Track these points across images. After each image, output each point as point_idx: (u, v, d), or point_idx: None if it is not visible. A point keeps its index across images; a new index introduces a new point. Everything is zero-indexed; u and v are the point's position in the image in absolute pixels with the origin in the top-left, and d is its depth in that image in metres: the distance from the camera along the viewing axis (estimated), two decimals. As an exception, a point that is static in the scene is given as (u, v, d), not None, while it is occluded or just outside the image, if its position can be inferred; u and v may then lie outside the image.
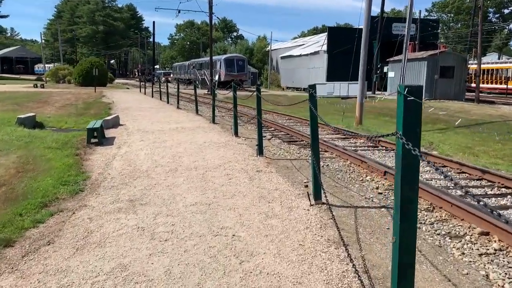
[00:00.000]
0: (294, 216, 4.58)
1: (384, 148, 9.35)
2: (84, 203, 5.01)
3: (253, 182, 6.09)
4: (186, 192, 5.55)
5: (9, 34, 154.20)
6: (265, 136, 10.90)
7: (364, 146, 9.69)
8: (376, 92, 36.36)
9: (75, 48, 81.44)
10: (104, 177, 6.31)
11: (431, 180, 6.55)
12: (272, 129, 12.70)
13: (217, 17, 39.21)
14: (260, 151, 8.08)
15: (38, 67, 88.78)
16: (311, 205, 4.93)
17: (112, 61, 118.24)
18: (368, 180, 6.34)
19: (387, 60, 35.12)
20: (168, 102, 22.45)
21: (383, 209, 4.90)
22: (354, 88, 31.26)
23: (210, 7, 31.85)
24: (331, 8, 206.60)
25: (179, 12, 34.40)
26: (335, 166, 7.33)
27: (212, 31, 39.11)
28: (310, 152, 8.33)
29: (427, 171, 7.22)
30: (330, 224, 4.28)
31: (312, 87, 4.88)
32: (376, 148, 9.37)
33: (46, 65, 74.28)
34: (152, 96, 28.08)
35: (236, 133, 11.00)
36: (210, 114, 14.97)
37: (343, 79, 34.74)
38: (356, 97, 27.11)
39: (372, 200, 5.24)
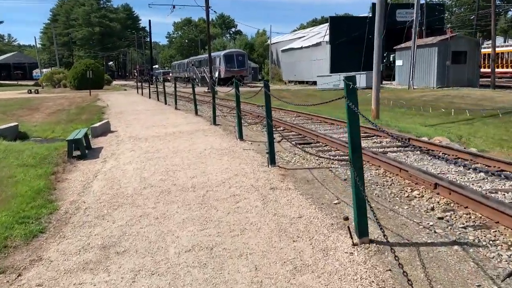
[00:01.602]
0: (334, 267, 3.19)
1: (417, 148, 7.93)
2: (40, 255, 3.63)
3: (268, 207, 4.69)
4: (180, 227, 4.16)
5: (6, 41, 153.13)
6: (274, 138, 9.49)
7: (393, 146, 8.26)
8: (383, 82, 34.84)
9: (71, 51, 79.98)
10: (77, 208, 4.93)
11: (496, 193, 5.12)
12: (281, 129, 11.29)
13: (214, 11, 37.72)
14: (272, 160, 6.68)
15: (36, 72, 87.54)
16: (354, 244, 3.54)
17: (110, 63, 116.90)
18: (416, 197, 4.92)
19: (394, 48, 33.57)
20: (165, 103, 21.06)
21: (455, 246, 3.48)
22: (361, 79, 29.80)
23: (207, 1, 30.37)
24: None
25: (174, 7, 32.97)
26: (368, 177, 5.92)
27: (210, 27, 37.67)
28: (331, 157, 6.97)
29: (482, 179, 5.80)
30: (392, 282, 2.89)
31: (350, 79, 3.48)
32: (407, 149, 7.95)
33: (44, 70, 72.98)
34: (150, 97, 26.70)
35: (240, 137, 9.61)
36: (210, 114, 13.58)
37: (347, 70, 33.21)
38: (366, 89, 25.74)
39: (435, 231, 3.83)
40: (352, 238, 3.58)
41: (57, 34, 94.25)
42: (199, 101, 20.81)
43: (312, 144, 8.81)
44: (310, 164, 6.84)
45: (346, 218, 3.61)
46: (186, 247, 3.68)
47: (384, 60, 36.43)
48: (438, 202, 4.65)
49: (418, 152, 7.61)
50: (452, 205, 4.54)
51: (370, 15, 45.53)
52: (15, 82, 72.46)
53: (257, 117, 13.99)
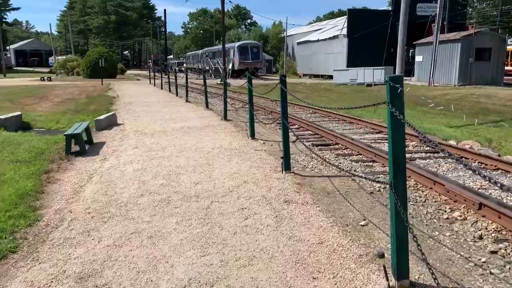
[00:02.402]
0: (367, 323, 2.47)
1: (449, 155, 7.11)
2: (2, 286, 2.98)
3: (282, 226, 3.98)
4: (176, 251, 3.47)
5: (24, 27, 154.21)
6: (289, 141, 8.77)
7: (421, 152, 7.46)
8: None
9: (87, 39, 79.86)
10: (61, 219, 4.28)
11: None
12: (296, 126, 10.53)
13: (230, 1, 36.87)
14: (287, 166, 5.94)
15: (52, 59, 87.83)
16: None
17: (125, 52, 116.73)
18: (458, 220, 4.15)
19: (414, 43, 32.36)
20: (177, 95, 20.41)
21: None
22: (379, 74, 28.78)
23: (222, -10, 29.55)
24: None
25: (188, -4, 32.10)
26: (396, 189, 5.17)
27: (225, 18, 36.83)
28: (351, 162, 6.20)
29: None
30: None
31: (397, 80, 2.74)
32: (437, 155, 7.15)
33: (59, 58, 73.02)
34: (162, 88, 26.09)
35: (252, 135, 8.89)
36: (222, 108, 12.88)
37: (364, 65, 32.19)
38: (384, 84, 24.58)
39: (490, 272, 3.07)
40: (387, 279, 2.85)
41: (73, 21, 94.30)
42: (211, 93, 20.14)
43: (331, 146, 8.05)
44: (329, 171, 6.09)
45: (382, 255, 2.87)
46: (181, 281, 2.99)
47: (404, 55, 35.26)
48: (486, 228, 3.89)
49: (450, 160, 6.81)
50: (504, 233, 3.77)
51: (390, 9, 44.29)
52: (31, 69, 72.75)
53: (270, 112, 13.25)
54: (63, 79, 39.64)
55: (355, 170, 6.18)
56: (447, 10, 37.09)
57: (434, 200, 4.80)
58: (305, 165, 6.48)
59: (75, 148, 7.86)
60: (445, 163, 6.62)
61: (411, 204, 4.66)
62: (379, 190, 5.17)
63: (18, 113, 12.28)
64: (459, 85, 26.07)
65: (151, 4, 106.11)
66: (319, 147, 8.00)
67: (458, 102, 17.25)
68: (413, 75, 33.11)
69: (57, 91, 24.35)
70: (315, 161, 6.72)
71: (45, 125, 12.38)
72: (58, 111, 15.34)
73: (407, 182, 5.51)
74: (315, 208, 4.49)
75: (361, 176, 3.62)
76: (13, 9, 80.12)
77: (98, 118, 10.60)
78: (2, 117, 11.06)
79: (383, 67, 28.51)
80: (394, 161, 2.76)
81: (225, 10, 32.83)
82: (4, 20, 78.13)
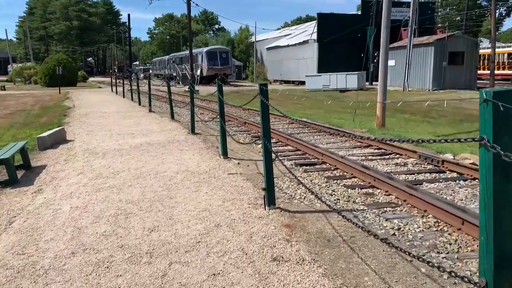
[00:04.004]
0: None
1: (459, 175, 6.00)
2: None
3: (274, 310, 2.67)
4: None
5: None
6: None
7: (424, 172, 6.31)
8: (374, 83, 33.15)
9: (46, 45, 76.42)
10: None
11: None
12: (274, 141, 9.26)
13: (196, 4, 35.45)
14: (271, 200, 4.64)
15: (10, 67, 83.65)
16: None
17: (89, 59, 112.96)
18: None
19: (386, 47, 31.86)
20: (139, 104, 18.82)
21: None
22: (352, 80, 28.01)
23: (188, -7, 28.13)
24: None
25: (152, -1, 30.41)
26: (412, 233, 3.96)
27: (192, 23, 35.41)
28: (346, 188, 4.78)
29: None
30: None
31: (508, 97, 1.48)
32: (444, 176, 6.02)
33: (19, 65, 69.38)
34: (124, 96, 24.38)
35: (224, 153, 7.55)
36: (189, 119, 11.50)
37: (335, 70, 31.44)
38: (358, 90, 23.92)
39: None
40: None
41: (33, 28, 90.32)
42: (178, 102, 18.70)
43: (317, 166, 6.81)
44: (323, 206, 4.82)
45: None
46: None
47: (375, 60, 34.75)
48: None
49: (463, 182, 5.68)
50: None
51: (360, 13, 43.95)
52: (-13, 77, 68.77)
53: (244, 124, 11.96)
54: (20, 88, 37.12)
55: (354, 201, 4.94)
56: (417, 14, 37.00)
57: (470, 249, 3.60)
58: (291, 195, 5.20)
59: (4, 176, 6.32)
60: (459, 187, 5.48)
61: (444, 258, 3.44)
62: (393, 234, 3.94)
63: None
64: (433, 90, 25.59)
65: (115, 10, 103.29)
66: (304, 167, 6.75)
67: (440, 109, 16.47)
68: (385, 80, 32.61)
69: (9, 102, 22.30)
70: (302, 188, 5.45)
71: (-17, 142, 10.66)
72: (3, 125, 13.53)
73: (424, 220, 4.34)
74: (316, 270, 3.21)
75: (428, 263, 2.35)
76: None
77: (41, 135, 9.00)
78: None
79: (356, 72, 27.78)
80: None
81: (192, 15, 31.49)
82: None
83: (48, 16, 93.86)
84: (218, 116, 7.83)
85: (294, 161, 7.11)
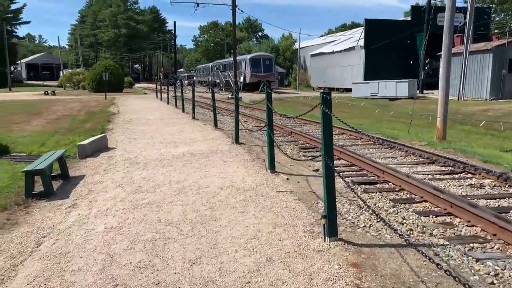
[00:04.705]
0: None
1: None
2: None
3: None
4: None
5: (37, 41, 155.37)
6: (316, 170, 6.77)
7: (509, 196, 5.37)
8: (425, 91, 31.56)
9: (96, 52, 79.06)
10: None
11: None
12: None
13: (241, 10, 35.18)
14: (332, 230, 3.91)
15: (62, 73, 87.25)
16: None
17: (136, 65, 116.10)
18: None
19: (438, 54, 30.27)
20: (183, 111, 18.55)
21: None
22: (403, 88, 26.71)
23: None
24: (359, 5, 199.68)
25: (198, 5, 30.56)
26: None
27: (236, 31, 35.22)
28: (418, 215, 4.01)
29: None
30: None
31: None
32: (536, 203, 5.08)
33: (69, 71, 72.19)
34: (168, 103, 24.31)
35: (272, 167, 6.91)
36: (233, 127, 10.95)
37: (382, 77, 30.15)
38: (408, 98, 22.78)
39: None
40: None
41: (84, 35, 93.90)
42: (221, 109, 18.29)
43: (379, 186, 6.02)
44: (393, 234, 4.06)
45: None
46: None
47: (426, 68, 33.18)
48: None
49: (562, 212, 4.73)
50: None
51: (409, 19, 42.31)
52: (41, 83, 71.98)
53: (290, 133, 11.28)
54: (68, 93, 38.23)
55: (431, 233, 4.14)
56: (472, 19, 35.07)
57: None
58: (353, 222, 4.46)
59: (41, 187, 5.96)
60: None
61: None
62: (491, 283, 3.13)
63: (-6, 134, 10.49)
64: (491, 99, 23.90)
65: (162, 18, 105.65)
66: (363, 186, 5.98)
67: (504, 120, 15.10)
68: (436, 88, 31.02)
69: (57, 107, 22.73)
70: (366, 213, 4.70)
71: (26, 148, 10.57)
72: (48, 131, 13.55)
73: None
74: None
75: None
76: (24, 22, 79.69)
77: (82, 143, 8.71)
78: (-30, 141, 9.26)
79: (407, 80, 26.46)
80: None
81: (236, 22, 31.23)
82: (14, 33, 77.69)
83: (98, 24, 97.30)
84: (265, 126, 7.20)
85: (350, 178, 6.35)
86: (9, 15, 72.48)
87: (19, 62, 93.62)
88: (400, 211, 4.81)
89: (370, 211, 4.77)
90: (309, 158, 8.11)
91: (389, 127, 14.28)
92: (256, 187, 5.89)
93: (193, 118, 15.67)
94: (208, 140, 10.51)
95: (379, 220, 4.46)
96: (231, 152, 8.69)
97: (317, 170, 7.05)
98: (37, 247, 3.94)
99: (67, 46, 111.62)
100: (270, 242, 3.88)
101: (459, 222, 4.44)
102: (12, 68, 78.70)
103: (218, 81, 49.15)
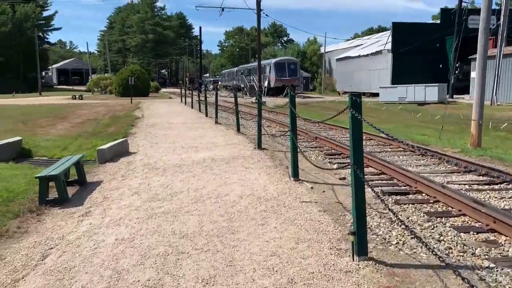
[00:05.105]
0: None
1: None
2: None
3: None
4: None
5: (68, 47, 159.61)
6: (343, 178, 6.36)
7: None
8: (455, 96, 30.49)
9: (123, 57, 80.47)
10: None
11: None
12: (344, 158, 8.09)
13: (266, 15, 35.04)
14: (361, 249, 3.50)
15: (91, 78, 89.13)
16: None
17: (163, 70, 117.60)
18: None
19: (470, 58, 29.22)
20: (206, 115, 18.37)
21: None
22: (432, 92, 25.86)
23: (258, 3, 27.67)
24: (384, 9, 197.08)
25: (222, 10, 30.52)
26: None
27: (261, 36, 35.03)
28: (456, 231, 3.66)
29: None
30: None
31: None
32: None
33: (96, 76, 73.64)
34: (192, 107, 24.23)
35: (295, 174, 6.54)
36: (255, 132, 10.63)
37: (411, 82, 29.26)
38: (438, 103, 22.06)
39: None
40: None
41: (112, 41, 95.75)
42: (244, 113, 18.03)
43: (411, 197, 5.57)
44: (429, 254, 3.62)
45: None
46: None
47: (456, 72, 32.08)
48: None
49: None
50: None
51: (438, 22, 41.15)
52: (70, 87, 73.68)
53: (314, 139, 10.87)
54: (95, 98, 38.80)
55: (473, 253, 3.69)
56: (506, 20, 33.82)
57: None
58: (385, 238, 4.05)
59: (54, 193, 5.77)
60: None
61: None
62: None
63: (17, 138, 10.49)
64: (527, 105, 22.82)
65: (188, 24, 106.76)
66: (394, 196, 5.54)
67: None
68: (467, 93, 29.96)
69: (83, 111, 22.95)
70: (398, 228, 4.28)
71: (49, 152, 10.56)
72: (72, 135, 13.56)
73: None
74: None
75: None
76: (55, 29, 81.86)
77: (101, 147, 8.55)
78: (-7, 144, 9.25)
79: (437, 84, 25.59)
80: None
81: (262, 27, 30.98)
82: (46, 39, 79.85)
83: (126, 30, 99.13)
84: (289, 131, 6.85)
85: (380, 188, 5.91)
86: (41, 22, 74.52)
87: (50, 67, 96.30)
88: (437, 226, 4.37)
89: (403, 226, 4.34)
90: (335, 166, 7.69)
91: (418, 133, 13.66)
92: (278, 196, 5.53)
93: (216, 122, 15.45)
94: (230, 145, 10.22)
95: (413, 236, 4.03)
96: (253, 158, 8.36)
97: (344, 178, 6.64)
98: (42, 259, 3.69)
99: (96, 52, 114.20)
100: (292, 261, 3.52)
101: (505, 240, 3.97)
102: (43, 73, 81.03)
103: (242, 85, 49.05)
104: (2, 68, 64.36)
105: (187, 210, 5.00)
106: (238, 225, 4.45)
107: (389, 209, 3.49)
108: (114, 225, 4.55)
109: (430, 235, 4.13)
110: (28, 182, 6.56)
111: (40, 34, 71.77)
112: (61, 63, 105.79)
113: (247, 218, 4.67)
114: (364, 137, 10.95)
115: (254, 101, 28.65)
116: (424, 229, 4.35)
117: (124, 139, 10.25)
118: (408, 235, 4.10)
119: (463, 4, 33.22)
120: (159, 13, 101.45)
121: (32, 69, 60.01)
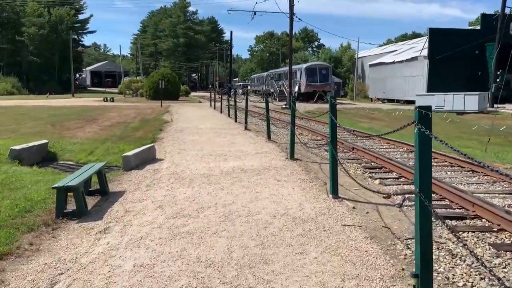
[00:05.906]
0: None
1: None
2: None
3: None
4: None
5: (102, 50, 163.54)
6: (387, 197, 5.70)
7: None
8: (495, 106, 29.00)
9: (155, 61, 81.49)
10: None
11: None
12: (394, 175, 7.40)
13: (299, 19, 34.50)
14: (426, 294, 2.89)
15: (123, 80, 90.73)
16: None
17: (193, 74, 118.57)
18: None
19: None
20: (236, 121, 17.90)
21: None
22: (472, 101, 24.62)
23: (291, 7, 27.13)
24: (418, 16, 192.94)
25: (254, 14, 30.13)
26: None
27: (293, 37, 34.45)
28: None
29: None
30: None
31: None
32: None
33: (128, 79, 74.75)
34: (221, 112, 23.88)
35: (334, 191, 5.92)
36: (287, 140, 10.05)
37: (448, 90, 27.99)
38: (478, 113, 20.93)
39: None
40: None
41: (145, 44, 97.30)
42: (274, 119, 17.45)
43: (470, 222, 4.86)
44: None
45: None
46: None
47: (498, 80, 30.56)
48: None
49: None
50: None
51: (478, 28, 39.52)
52: (103, 89, 75.04)
53: (352, 149, 10.19)
54: (126, 100, 39.11)
55: None
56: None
57: None
58: (448, 277, 3.39)
59: (72, 205, 5.36)
60: None
61: None
62: None
63: (44, 141, 10.27)
64: None
65: (219, 28, 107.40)
66: (449, 221, 4.85)
67: None
68: (508, 102, 28.49)
69: (112, 113, 22.93)
70: (462, 265, 3.60)
71: (75, 156, 10.28)
72: (99, 138, 13.32)
73: None
74: None
75: None
76: (90, 32, 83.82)
77: (126, 154, 8.15)
78: (18, 147, 9.01)
79: (478, 93, 24.35)
80: None
81: (293, 32, 30.34)
82: (80, 42, 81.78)
83: (158, 34, 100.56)
84: (329, 143, 6.24)
85: (436, 209, 5.21)
86: (76, 25, 76.36)
87: (84, 69, 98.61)
88: (509, 264, 3.67)
89: (464, 257, 3.68)
90: (377, 181, 7.02)
91: (461, 145, 12.75)
92: (317, 217, 4.93)
93: (246, 128, 14.94)
94: (260, 154, 9.66)
95: (483, 277, 3.36)
96: (285, 170, 7.78)
97: (388, 196, 5.98)
98: (49, 288, 3.22)
99: (129, 55, 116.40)
100: (340, 305, 2.92)
101: None
102: (77, 75, 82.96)
103: (272, 90, 48.54)
104: (39, 69, 66.27)
105: (215, 231, 4.47)
106: (272, 252, 3.88)
107: (460, 241, 2.85)
108: (134, 246, 4.07)
109: (504, 276, 3.44)
110: (48, 189, 6.19)
111: (75, 36, 73.55)
112: (95, 65, 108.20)
113: (282, 244, 4.10)
114: (404, 149, 10.25)
115: (284, 106, 28.08)
116: (492, 265, 3.67)
117: (151, 144, 9.86)
118: (475, 273, 3.43)
119: (506, 9, 31.68)
120: (191, 18, 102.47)
121: (67, 71, 61.35)
